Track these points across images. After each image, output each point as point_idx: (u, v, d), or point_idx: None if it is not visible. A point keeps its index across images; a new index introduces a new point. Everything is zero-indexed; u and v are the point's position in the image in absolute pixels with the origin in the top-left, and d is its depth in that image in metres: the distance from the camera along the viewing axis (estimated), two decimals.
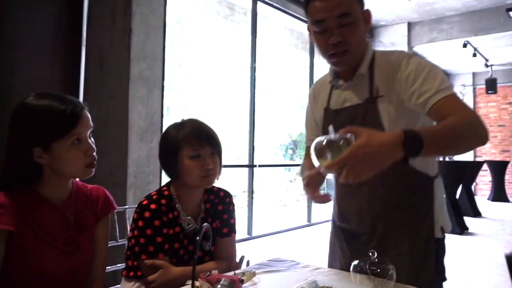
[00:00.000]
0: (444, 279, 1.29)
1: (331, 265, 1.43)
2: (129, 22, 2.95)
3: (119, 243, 1.88)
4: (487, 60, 9.20)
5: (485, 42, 7.71)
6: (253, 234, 5.16)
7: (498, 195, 9.48)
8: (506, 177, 9.66)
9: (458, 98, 1.10)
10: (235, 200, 1.54)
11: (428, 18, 6.96)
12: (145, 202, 1.34)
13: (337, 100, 1.31)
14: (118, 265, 1.82)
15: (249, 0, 4.98)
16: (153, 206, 1.32)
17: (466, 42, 7.31)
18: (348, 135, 0.91)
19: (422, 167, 1.22)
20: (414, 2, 5.68)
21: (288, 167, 12.18)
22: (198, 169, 1.33)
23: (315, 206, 6.17)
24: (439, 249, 1.26)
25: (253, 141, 5.14)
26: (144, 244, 1.29)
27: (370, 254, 1.01)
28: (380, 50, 1.28)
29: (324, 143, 0.93)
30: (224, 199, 1.49)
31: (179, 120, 1.42)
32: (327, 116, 1.33)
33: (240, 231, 5.09)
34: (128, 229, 1.75)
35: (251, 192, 5.21)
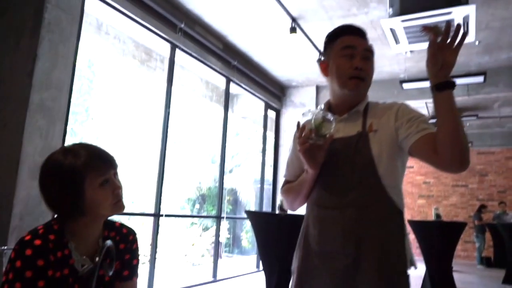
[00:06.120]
0: None
1: None
2: (35, 47, 2.70)
3: None
4: None
5: None
6: None
7: None
8: None
9: None
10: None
11: None
12: (28, 237, 1.10)
13: None
14: None
15: (168, 46, 4.98)
16: (37, 242, 1.09)
17: None
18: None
19: (393, 195, 1.30)
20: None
21: (194, 222, 11.78)
22: (110, 196, 1.17)
23: (221, 261, 5.92)
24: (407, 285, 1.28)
25: (161, 190, 4.88)
26: None
27: None
28: (372, 101, 1.48)
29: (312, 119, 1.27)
30: (127, 237, 1.31)
31: (63, 147, 1.21)
32: None
33: None
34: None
35: (154, 245, 4.84)
